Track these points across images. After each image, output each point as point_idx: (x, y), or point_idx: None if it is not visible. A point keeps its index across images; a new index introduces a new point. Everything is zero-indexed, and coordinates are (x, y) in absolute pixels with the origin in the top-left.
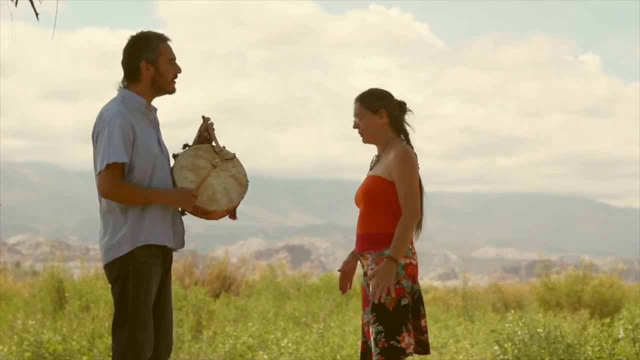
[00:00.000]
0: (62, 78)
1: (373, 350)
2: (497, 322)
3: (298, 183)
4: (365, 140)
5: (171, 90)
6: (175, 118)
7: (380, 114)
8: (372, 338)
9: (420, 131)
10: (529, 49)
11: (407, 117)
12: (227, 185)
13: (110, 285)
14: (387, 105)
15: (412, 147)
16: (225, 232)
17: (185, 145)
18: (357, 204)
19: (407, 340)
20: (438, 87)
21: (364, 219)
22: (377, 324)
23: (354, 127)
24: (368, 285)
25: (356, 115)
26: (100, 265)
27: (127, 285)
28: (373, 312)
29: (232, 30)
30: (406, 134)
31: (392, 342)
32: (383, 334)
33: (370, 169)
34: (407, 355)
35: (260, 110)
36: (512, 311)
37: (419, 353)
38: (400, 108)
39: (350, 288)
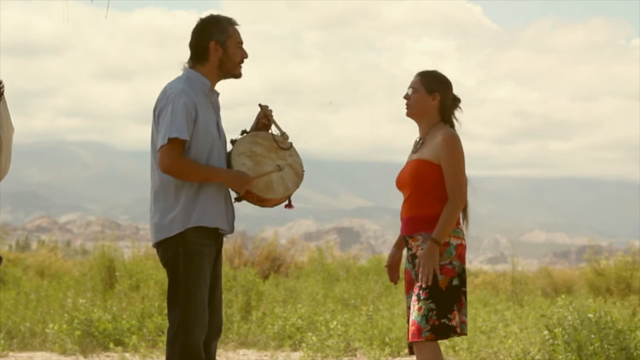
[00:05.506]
0: (117, 58)
1: (422, 325)
2: (547, 307)
3: (349, 165)
4: (408, 113)
5: (237, 74)
6: (228, 99)
7: (434, 96)
8: (419, 314)
9: (474, 114)
10: (586, 33)
11: (457, 113)
12: (284, 174)
13: (160, 265)
14: (443, 92)
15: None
16: (275, 214)
17: (243, 132)
18: (401, 187)
19: (457, 319)
20: (492, 70)
21: (412, 202)
22: (429, 301)
23: (405, 97)
24: (412, 268)
25: (411, 87)
26: (151, 244)
27: (178, 266)
28: (425, 289)
29: (287, 11)
30: (452, 125)
31: (443, 321)
32: (435, 312)
33: (414, 152)
34: (456, 334)
35: (314, 92)
36: (562, 296)
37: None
38: (454, 101)
39: (399, 278)
